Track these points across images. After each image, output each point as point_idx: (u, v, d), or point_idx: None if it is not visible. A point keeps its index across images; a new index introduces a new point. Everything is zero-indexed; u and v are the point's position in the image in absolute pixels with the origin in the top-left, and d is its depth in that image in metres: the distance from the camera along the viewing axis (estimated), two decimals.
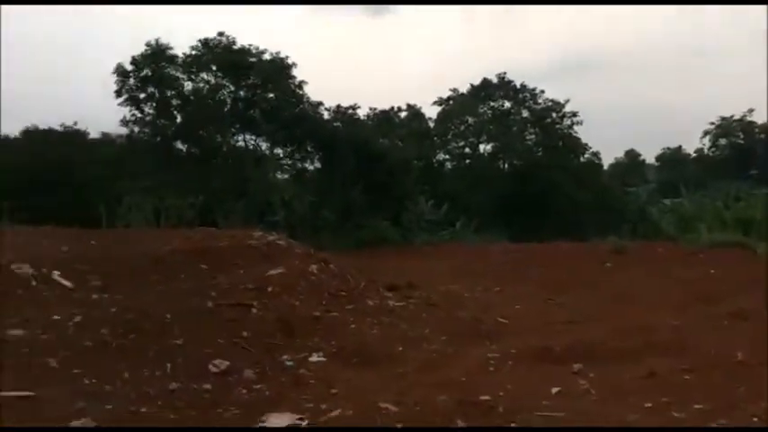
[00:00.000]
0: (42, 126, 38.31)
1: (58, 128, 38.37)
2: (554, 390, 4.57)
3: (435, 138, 36.31)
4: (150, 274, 7.38)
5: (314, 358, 5.93)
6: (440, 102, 35.53)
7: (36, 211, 22.47)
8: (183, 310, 5.93)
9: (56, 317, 5.52)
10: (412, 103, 37.35)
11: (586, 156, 33.75)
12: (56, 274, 7.07)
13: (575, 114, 32.36)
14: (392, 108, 37.80)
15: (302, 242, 13.16)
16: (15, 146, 35.64)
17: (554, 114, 32.62)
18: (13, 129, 37.78)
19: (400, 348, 6.25)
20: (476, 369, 5.39)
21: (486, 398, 4.20)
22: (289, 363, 5.62)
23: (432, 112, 36.28)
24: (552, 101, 32.74)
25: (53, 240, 9.61)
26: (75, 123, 39.59)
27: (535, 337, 6.47)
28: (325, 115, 30.85)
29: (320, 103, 30.40)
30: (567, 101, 32.41)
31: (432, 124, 36.78)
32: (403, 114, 37.71)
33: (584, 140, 32.81)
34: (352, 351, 6.07)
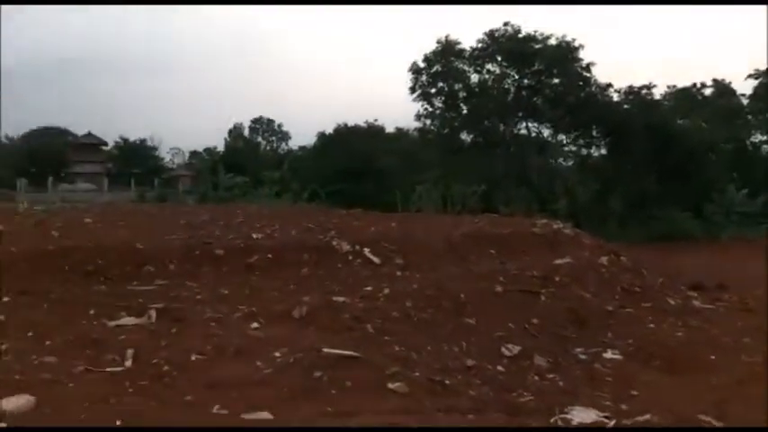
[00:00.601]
0: (350, 123, 44.20)
1: (362, 124, 43.98)
2: None
3: (749, 116, 30.82)
4: (444, 255, 7.86)
5: (608, 354, 5.60)
6: (756, 74, 29.92)
7: (346, 196, 26.15)
8: (475, 291, 6.16)
9: (368, 288, 6.27)
10: (719, 77, 32.17)
11: None
12: (366, 251, 8.05)
13: None
14: (694, 85, 33.21)
15: (586, 232, 12.58)
16: (330, 141, 41.93)
17: None
18: (327, 126, 44.38)
19: (712, 357, 5.47)
20: None
21: None
22: (582, 356, 5.41)
23: (746, 87, 30.72)
24: None
25: (362, 222, 10.96)
26: (376, 120, 44.77)
27: None
28: (615, 97, 28.75)
29: (609, 85, 28.45)
30: None
31: (745, 101, 31.26)
32: (708, 91, 32.83)
33: None
34: (651, 352, 5.55)
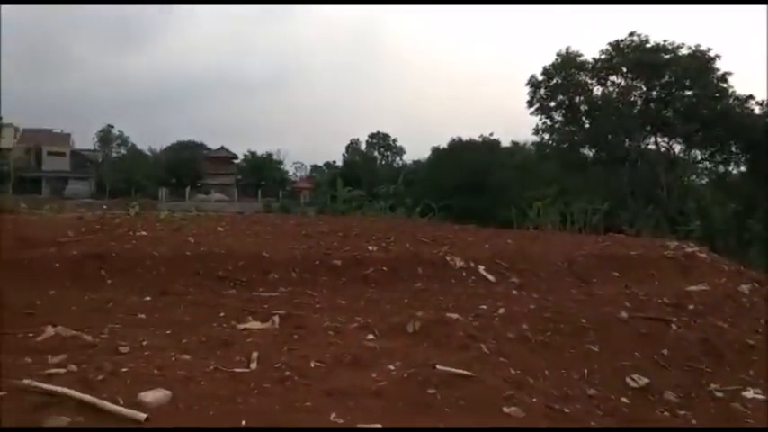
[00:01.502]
0: (465, 137, 44.04)
1: (477, 138, 43.66)
2: None
3: None
4: (563, 275, 7.55)
5: (749, 394, 5.04)
6: None
7: (460, 211, 26.01)
8: (598, 316, 5.82)
9: (482, 306, 6.15)
10: None
11: None
12: (481, 269, 7.94)
13: None
14: None
15: (723, 256, 11.51)
16: (444, 155, 42.01)
17: None
18: (442, 141, 44.50)
19: None
20: None
21: None
22: (718, 393, 4.91)
23: None
24: None
25: (476, 238, 10.82)
26: (491, 134, 44.23)
27: None
28: (756, 110, 26.20)
29: (750, 97, 26.01)
30: None
31: None
32: None
33: None
34: None
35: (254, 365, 3.79)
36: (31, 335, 4.46)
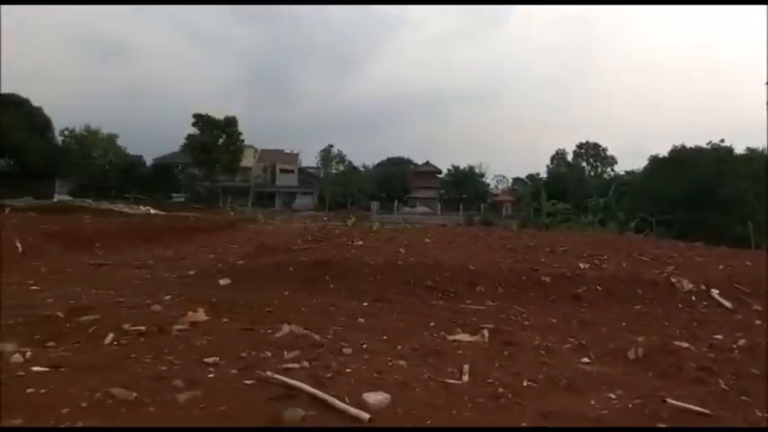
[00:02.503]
0: (688, 144, 39.48)
1: (704, 146, 38.79)
2: None
3: None
4: None
5: None
6: None
7: (683, 226, 23.36)
8: None
9: (718, 336, 5.43)
10: None
11: None
12: (715, 293, 7.01)
13: None
14: None
15: None
16: (664, 164, 38.07)
17: None
18: (661, 149, 40.36)
19: None
20: None
21: None
22: None
23: None
24: None
25: (706, 258, 9.61)
26: (722, 141, 38.95)
27: None
28: None
29: None
30: None
31: None
32: None
33: None
34: None
35: (465, 378, 3.82)
36: (270, 331, 5.07)
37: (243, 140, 61.42)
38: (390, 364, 4.05)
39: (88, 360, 4.09)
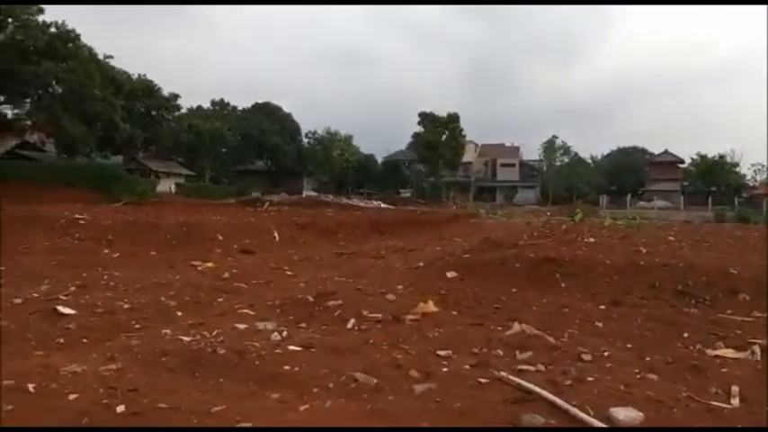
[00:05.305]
0: None
1: None
2: None
3: None
4: None
5: None
6: None
7: None
8: None
9: None
10: None
11: None
12: None
13: None
14: None
15: None
16: None
17: None
18: None
19: None
20: None
21: None
22: None
23: None
24: None
25: None
26: None
27: None
28: None
29: None
30: None
31: None
32: None
33: None
34: None
35: (735, 402, 3.24)
36: (500, 328, 4.94)
37: (464, 136, 62.25)
38: (639, 376, 3.62)
39: (334, 342, 4.43)
